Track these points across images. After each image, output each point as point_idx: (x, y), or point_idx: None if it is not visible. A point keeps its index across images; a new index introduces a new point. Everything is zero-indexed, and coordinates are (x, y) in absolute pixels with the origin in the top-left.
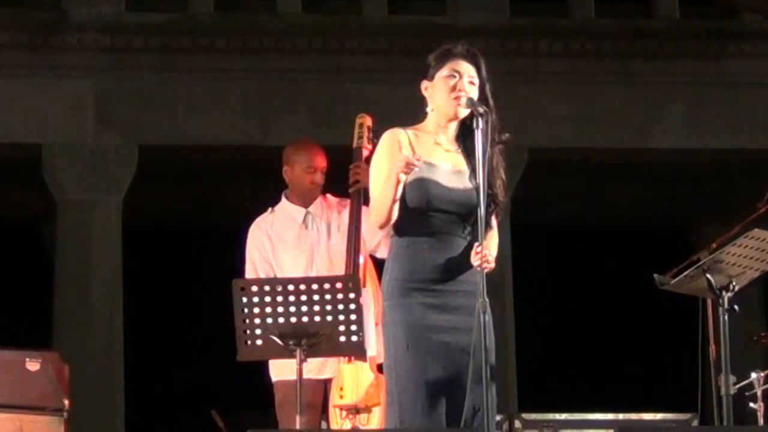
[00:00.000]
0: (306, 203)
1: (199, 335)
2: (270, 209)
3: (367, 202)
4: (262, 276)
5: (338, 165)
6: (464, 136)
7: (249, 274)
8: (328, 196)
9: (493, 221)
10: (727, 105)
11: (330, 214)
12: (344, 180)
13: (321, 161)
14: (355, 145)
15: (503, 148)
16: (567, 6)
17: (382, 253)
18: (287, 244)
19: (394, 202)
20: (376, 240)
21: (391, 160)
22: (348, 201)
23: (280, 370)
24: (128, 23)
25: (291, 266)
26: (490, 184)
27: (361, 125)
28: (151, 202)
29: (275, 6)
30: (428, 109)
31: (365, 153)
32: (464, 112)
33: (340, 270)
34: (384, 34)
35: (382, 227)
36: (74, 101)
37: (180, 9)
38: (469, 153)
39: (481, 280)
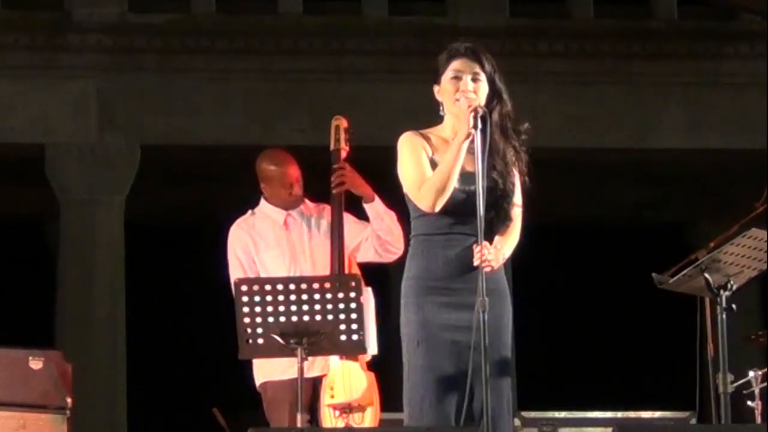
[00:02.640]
0: (286, 207)
1: (201, 334)
2: (250, 211)
3: (346, 206)
4: (250, 274)
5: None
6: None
7: (235, 271)
8: (306, 201)
9: (514, 213)
10: (725, 105)
11: (309, 217)
12: (329, 186)
13: (294, 172)
14: (332, 147)
15: (524, 140)
16: (566, 7)
17: (362, 257)
18: (269, 243)
19: (455, 168)
20: (355, 242)
21: (419, 151)
22: (324, 206)
23: (267, 372)
24: (131, 24)
25: (273, 265)
26: (497, 183)
27: (338, 127)
28: (154, 202)
29: (276, 7)
30: (441, 113)
31: (343, 155)
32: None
33: (323, 269)
34: (385, 34)
35: (438, 200)
36: (77, 102)
37: (182, 10)
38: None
39: (480, 280)
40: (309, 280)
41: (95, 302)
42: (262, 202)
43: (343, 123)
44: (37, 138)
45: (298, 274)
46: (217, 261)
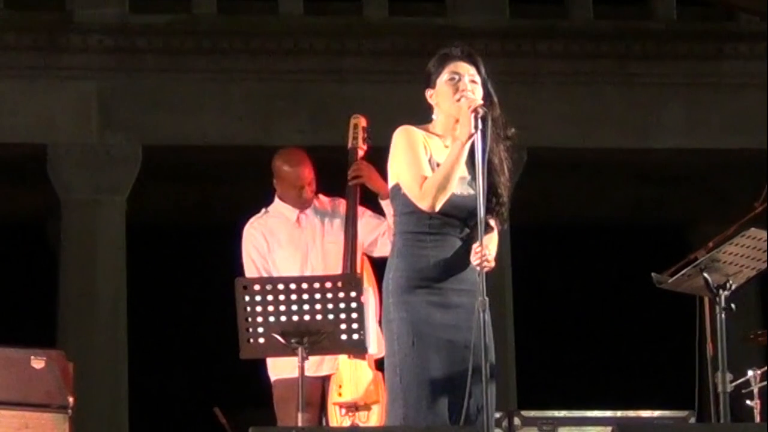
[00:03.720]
0: (298, 206)
1: (202, 333)
2: (264, 210)
3: (362, 201)
4: (264, 274)
5: (339, 166)
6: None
7: (250, 272)
8: (320, 196)
9: (493, 222)
10: (724, 105)
11: (323, 214)
12: (344, 181)
13: (309, 174)
14: (350, 145)
15: (510, 145)
16: (566, 7)
17: (379, 252)
18: (281, 242)
19: (458, 168)
20: (372, 237)
21: (418, 147)
22: (340, 200)
23: (279, 369)
24: (132, 24)
25: (285, 265)
26: (494, 185)
27: (356, 126)
28: (155, 202)
29: (277, 7)
30: (434, 116)
31: (360, 153)
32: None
33: (335, 268)
34: (385, 35)
35: (440, 199)
36: (79, 102)
37: (183, 10)
38: (472, 157)
39: (480, 279)
40: (309, 280)
41: (97, 302)
42: (276, 199)
43: (362, 122)
44: (39, 138)
45: (309, 273)
46: (219, 260)
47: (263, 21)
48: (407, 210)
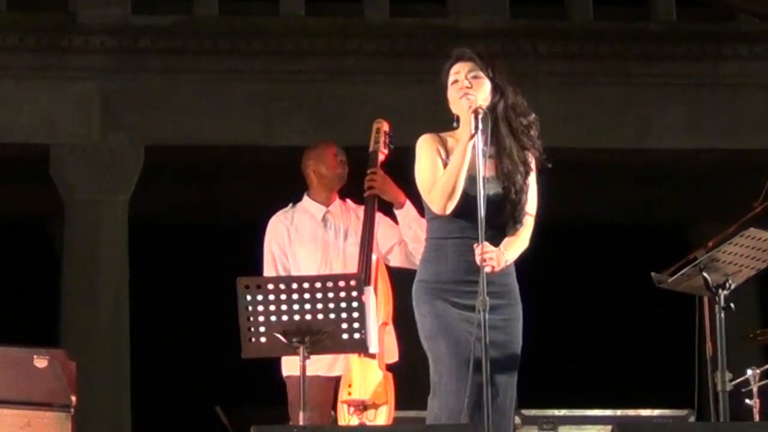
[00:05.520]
0: (328, 201)
1: (204, 332)
2: (291, 204)
3: (380, 208)
4: (281, 268)
5: None
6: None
7: (268, 265)
8: (348, 201)
9: (525, 220)
10: (724, 106)
11: (348, 218)
12: (361, 183)
13: (342, 153)
14: (371, 149)
15: (533, 135)
16: (566, 8)
17: (394, 261)
18: (304, 238)
19: (461, 170)
20: (389, 244)
21: (433, 154)
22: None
23: (291, 366)
24: (134, 25)
25: (306, 261)
26: (511, 182)
27: (378, 130)
28: (157, 202)
29: (278, 9)
30: (455, 125)
31: (381, 157)
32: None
33: (353, 271)
34: (386, 36)
35: (448, 203)
36: (81, 102)
37: (185, 11)
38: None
39: (481, 279)
40: (311, 279)
41: (99, 301)
42: (305, 197)
43: (384, 126)
44: (42, 138)
45: (328, 272)
46: (220, 259)
47: (264, 22)
48: (431, 216)
